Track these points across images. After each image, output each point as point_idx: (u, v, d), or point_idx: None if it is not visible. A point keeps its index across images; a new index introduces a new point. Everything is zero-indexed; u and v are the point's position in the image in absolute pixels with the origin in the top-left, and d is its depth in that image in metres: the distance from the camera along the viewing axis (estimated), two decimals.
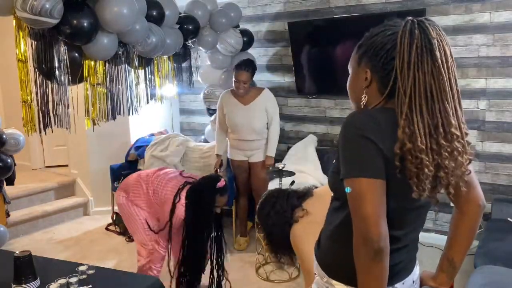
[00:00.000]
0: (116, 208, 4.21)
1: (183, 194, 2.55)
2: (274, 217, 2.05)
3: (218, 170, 3.72)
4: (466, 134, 1.08)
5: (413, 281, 1.26)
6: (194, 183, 2.61)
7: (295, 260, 2.11)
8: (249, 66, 3.50)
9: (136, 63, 3.12)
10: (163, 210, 2.60)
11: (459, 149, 1.06)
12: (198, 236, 2.56)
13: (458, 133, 1.05)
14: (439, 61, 1.03)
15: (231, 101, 3.62)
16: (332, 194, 1.25)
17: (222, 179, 2.62)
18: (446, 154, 1.05)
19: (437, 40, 1.04)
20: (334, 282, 1.20)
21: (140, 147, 4.37)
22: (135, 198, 2.67)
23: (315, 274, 1.32)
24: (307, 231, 1.94)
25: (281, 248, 2.10)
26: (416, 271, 1.28)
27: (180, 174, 2.75)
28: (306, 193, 2.09)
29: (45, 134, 2.75)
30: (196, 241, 2.56)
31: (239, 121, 3.59)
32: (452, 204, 1.27)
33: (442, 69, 1.03)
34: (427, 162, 1.03)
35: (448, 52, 1.05)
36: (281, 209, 2.04)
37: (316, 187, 2.16)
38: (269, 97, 3.65)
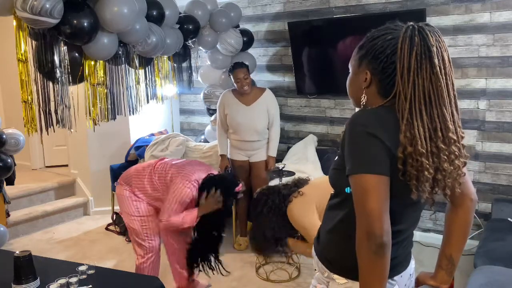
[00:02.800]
0: (116, 208, 4.21)
1: (193, 179, 2.54)
2: (267, 214, 2.07)
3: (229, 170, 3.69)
4: (462, 137, 1.12)
5: (410, 275, 1.30)
6: (215, 177, 2.58)
7: (282, 254, 2.18)
8: (243, 63, 3.56)
9: (136, 63, 3.12)
10: (167, 192, 2.59)
11: (456, 152, 1.10)
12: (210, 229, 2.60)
13: (454, 137, 1.09)
14: (437, 68, 1.06)
15: (233, 101, 3.62)
16: (332, 191, 1.27)
17: (240, 184, 2.63)
18: (445, 157, 1.09)
19: (436, 47, 1.07)
20: (335, 276, 1.22)
21: (140, 147, 4.37)
22: (137, 188, 2.64)
23: (315, 270, 1.33)
24: (304, 207, 1.98)
25: (267, 248, 2.13)
26: (412, 265, 1.31)
27: (185, 165, 2.72)
28: (297, 184, 2.12)
29: (47, 134, 2.75)
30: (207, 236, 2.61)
31: (241, 122, 3.59)
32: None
33: (440, 76, 1.07)
34: (427, 165, 1.06)
35: (446, 58, 1.09)
36: (273, 204, 2.06)
37: (309, 179, 2.19)
38: (271, 97, 3.66)
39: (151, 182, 2.62)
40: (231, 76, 3.54)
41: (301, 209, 2.02)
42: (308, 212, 1.98)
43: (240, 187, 2.61)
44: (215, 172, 2.68)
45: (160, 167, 2.65)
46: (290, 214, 2.05)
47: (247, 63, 3.67)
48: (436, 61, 1.06)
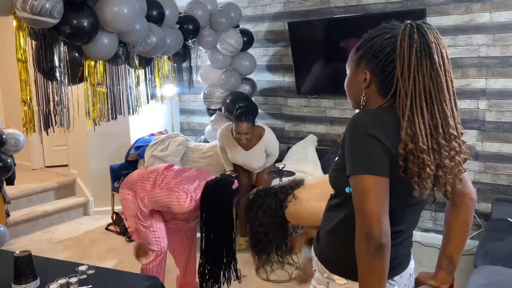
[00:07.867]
0: (116, 208, 4.21)
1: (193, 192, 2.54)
2: (261, 217, 2.06)
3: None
4: (462, 133, 1.13)
5: (410, 275, 1.30)
6: (208, 185, 2.55)
7: (271, 263, 2.18)
8: (248, 115, 3.37)
9: (136, 63, 3.11)
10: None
11: (456, 148, 1.10)
12: (220, 236, 2.56)
13: (455, 133, 1.09)
14: (437, 64, 1.07)
15: (232, 143, 3.61)
16: (332, 191, 1.28)
17: (236, 181, 2.60)
18: (446, 153, 1.09)
19: (435, 44, 1.08)
20: (335, 276, 1.22)
21: (140, 147, 4.37)
22: (141, 192, 2.62)
23: (314, 270, 1.33)
24: (300, 207, 1.97)
25: (262, 253, 2.11)
26: (412, 265, 1.32)
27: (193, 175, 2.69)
28: (293, 186, 2.11)
29: (47, 134, 2.74)
30: (218, 241, 2.56)
31: (240, 162, 3.67)
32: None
33: (440, 72, 1.07)
34: (429, 162, 1.06)
35: (445, 55, 1.09)
36: (269, 208, 2.05)
37: (303, 180, 2.18)
38: (270, 139, 3.62)
39: (153, 188, 2.60)
40: (234, 124, 3.43)
41: (297, 210, 2.01)
42: (303, 211, 1.98)
43: (236, 184, 2.58)
44: (211, 177, 2.66)
45: (166, 179, 2.58)
46: (288, 216, 2.04)
47: (253, 111, 3.54)
48: (436, 57, 1.06)
